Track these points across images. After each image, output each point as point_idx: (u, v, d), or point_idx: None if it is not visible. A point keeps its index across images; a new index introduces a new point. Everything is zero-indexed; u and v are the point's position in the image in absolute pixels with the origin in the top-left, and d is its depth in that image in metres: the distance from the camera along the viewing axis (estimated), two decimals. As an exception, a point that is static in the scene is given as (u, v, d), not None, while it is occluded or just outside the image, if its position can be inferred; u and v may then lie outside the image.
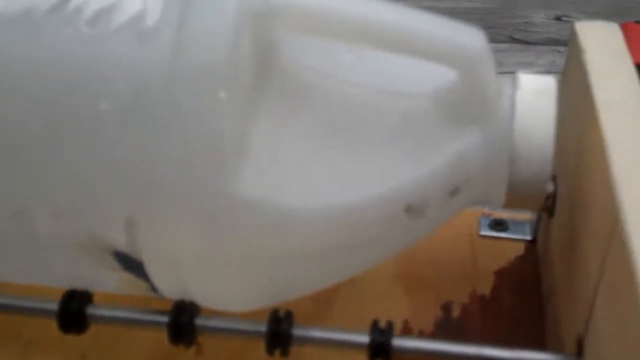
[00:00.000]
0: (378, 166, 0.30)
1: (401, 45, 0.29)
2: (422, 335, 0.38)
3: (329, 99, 0.30)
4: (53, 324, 0.33)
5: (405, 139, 0.30)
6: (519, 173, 0.31)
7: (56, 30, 0.28)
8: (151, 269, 0.30)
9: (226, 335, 0.32)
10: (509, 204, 0.32)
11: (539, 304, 0.40)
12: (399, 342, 0.31)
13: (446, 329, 0.39)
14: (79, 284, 0.32)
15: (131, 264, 0.30)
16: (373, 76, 0.31)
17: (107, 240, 0.29)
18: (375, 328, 0.32)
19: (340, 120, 0.30)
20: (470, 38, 0.29)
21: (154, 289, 0.31)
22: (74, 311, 0.32)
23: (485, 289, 0.41)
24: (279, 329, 0.31)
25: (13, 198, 0.29)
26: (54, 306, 0.32)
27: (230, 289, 0.32)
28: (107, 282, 0.31)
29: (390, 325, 0.32)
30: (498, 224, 0.45)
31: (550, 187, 0.35)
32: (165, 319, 0.31)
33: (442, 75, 0.30)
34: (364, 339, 0.31)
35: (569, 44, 0.38)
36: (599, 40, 0.35)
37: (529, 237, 0.44)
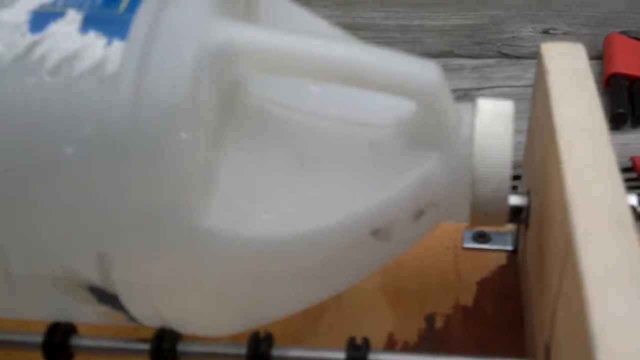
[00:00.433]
0: (345, 192, 0.31)
1: (361, 80, 0.30)
2: (406, 346, 0.39)
3: (295, 131, 0.31)
4: (39, 357, 0.34)
5: (370, 165, 0.31)
6: (479, 193, 0.32)
7: (20, 79, 0.29)
8: (126, 301, 0.31)
9: (208, 359, 0.33)
10: (475, 222, 0.33)
11: (519, 312, 0.41)
12: (374, 356, 0.32)
13: (430, 339, 0.40)
14: (62, 317, 0.33)
15: (107, 297, 0.31)
16: (338, 107, 0.32)
17: (81, 275, 0.30)
18: (351, 344, 0.32)
19: (307, 150, 0.31)
20: (426, 71, 0.30)
21: (132, 318, 0.32)
22: (58, 343, 0.32)
23: (468, 299, 0.42)
24: (258, 350, 0.32)
25: None
26: (38, 338, 0.33)
27: (204, 316, 0.33)
28: (86, 314, 0.32)
29: (366, 341, 0.33)
30: (481, 236, 0.46)
31: (524, 201, 0.36)
32: (147, 346, 0.32)
33: (403, 105, 0.31)
34: (341, 355, 0.32)
35: (536, 65, 0.39)
36: (564, 61, 0.36)
37: (510, 248, 0.45)
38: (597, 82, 0.37)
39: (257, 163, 0.31)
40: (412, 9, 1.06)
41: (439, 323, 0.41)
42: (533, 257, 0.37)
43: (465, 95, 0.84)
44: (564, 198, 0.28)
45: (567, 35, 1.02)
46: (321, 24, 0.35)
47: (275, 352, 0.33)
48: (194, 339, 0.33)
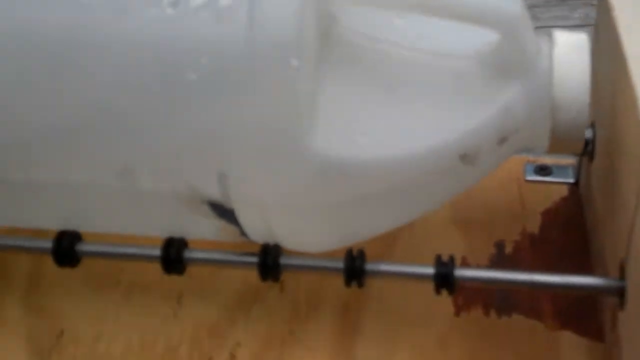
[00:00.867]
0: (433, 120, 0.34)
1: (447, 11, 0.32)
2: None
3: (384, 61, 0.34)
4: (149, 269, 0.38)
5: (457, 95, 0.34)
6: (559, 121, 0.34)
7: (142, 11, 0.32)
8: (241, 216, 0.34)
9: (308, 271, 0.37)
10: (552, 150, 0.36)
11: (583, 239, 0.43)
12: (460, 272, 0.35)
13: (500, 263, 0.43)
14: (177, 233, 0.36)
15: (224, 212, 0.34)
16: (422, 39, 0.35)
17: (202, 192, 0.34)
18: (439, 261, 0.36)
19: (396, 79, 0.34)
20: (509, 2, 0.33)
21: (243, 233, 0.36)
22: (173, 255, 0.36)
23: (534, 227, 0.45)
24: (354, 265, 0.36)
25: (118, 158, 0.34)
26: (156, 252, 0.36)
27: (308, 232, 0.36)
28: (201, 230, 0.36)
29: (452, 258, 0.36)
30: (542, 169, 0.48)
31: (589, 134, 0.39)
32: (255, 259, 0.36)
33: (484, 36, 0.34)
34: (429, 270, 0.35)
35: (598, 2, 0.41)
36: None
37: (572, 180, 0.47)
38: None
39: (351, 91, 0.33)
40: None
41: (508, 248, 0.44)
42: (600, 185, 0.40)
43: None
44: (638, 124, 0.31)
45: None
46: None
47: (369, 266, 0.36)
48: (295, 254, 0.37)
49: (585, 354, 0.38)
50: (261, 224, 0.34)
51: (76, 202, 0.36)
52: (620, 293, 0.33)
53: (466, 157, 0.34)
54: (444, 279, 0.35)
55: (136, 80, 0.32)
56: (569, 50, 0.34)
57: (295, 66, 0.31)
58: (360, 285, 0.36)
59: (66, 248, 0.36)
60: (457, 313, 0.40)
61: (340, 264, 0.36)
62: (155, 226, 0.36)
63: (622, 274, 0.34)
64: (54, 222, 0.37)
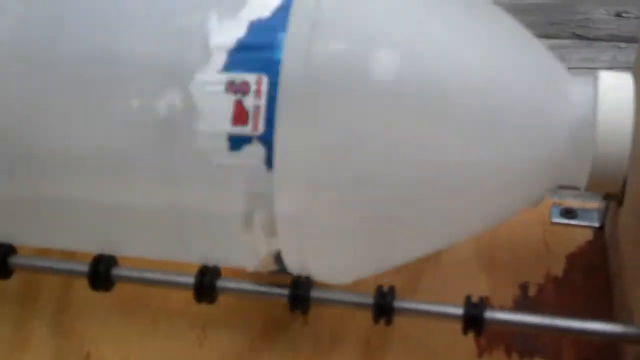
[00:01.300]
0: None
1: None
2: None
3: None
4: (176, 295, 0.38)
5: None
6: (600, 157, 0.34)
7: None
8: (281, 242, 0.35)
9: (337, 305, 0.37)
10: (589, 188, 0.36)
11: (607, 284, 0.44)
12: (490, 314, 0.36)
13: (524, 305, 0.43)
14: (214, 260, 0.37)
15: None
16: None
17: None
18: (468, 302, 0.36)
19: None
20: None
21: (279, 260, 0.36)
22: (207, 284, 0.37)
23: (558, 270, 0.45)
24: (385, 301, 0.36)
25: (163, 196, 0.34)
26: (190, 279, 0.37)
27: (341, 255, 0.36)
28: (242, 257, 0.36)
29: (481, 299, 0.36)
30: (568, 212, 0.49)
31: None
32: (286, 291, 0.36)
33: None
34: (459, 311, 0.36)
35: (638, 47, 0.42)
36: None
37: (597, 224, 0.48)
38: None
39: None
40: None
41: (531, 290, 0.44)
42: (629, 229, 0.40)
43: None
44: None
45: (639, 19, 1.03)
46: None
47: (398, 304, 0.36)
48: (325, 287, 0.37)
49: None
50: (295, 247, 0.35)
51: (115, 225, 0.36)
52: (644, 341, 0.34)
53: None
54: (472, 320, 0.35)
55: None
56: (614, 90, 0.34)
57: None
58: (389, 322, 0.36)
59: (103, 272, 0.37)
60: (480, 354, 0.41)
61: (370, 300, 0.36)
62: (193, 253, 0.37)
63: (649, 322, 0.34)
64: (90, 245, 0.38)
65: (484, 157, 0.34)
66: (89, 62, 0.34)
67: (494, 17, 0.36)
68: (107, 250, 0.38)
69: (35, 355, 0.42)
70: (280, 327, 0.42)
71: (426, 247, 0.37)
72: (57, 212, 0.37)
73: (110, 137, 0.34)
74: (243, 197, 0.33)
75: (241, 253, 0.35)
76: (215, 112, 0.32)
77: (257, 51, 0.32)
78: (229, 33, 0.33)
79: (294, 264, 0.36)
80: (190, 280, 0.37)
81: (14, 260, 0.39)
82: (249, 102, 0.32)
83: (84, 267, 0.37)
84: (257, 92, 0.32)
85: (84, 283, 0.38)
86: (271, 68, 0.32)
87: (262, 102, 0.32)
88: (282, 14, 0.33)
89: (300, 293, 0.36)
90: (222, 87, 0.32)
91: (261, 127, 0.32)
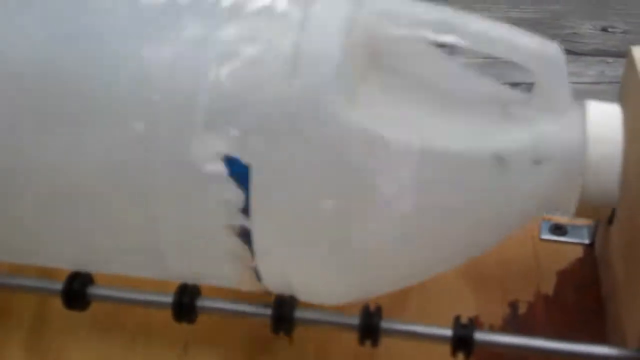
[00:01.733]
0: (470, 122, 0.33)
1: (499, 48, 0.33)
2: (493, 329, 0.42)
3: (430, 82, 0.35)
4: (155, 314, 0.37)
5: (494, 112, 0.34)
6: (590, 183, 0.34)
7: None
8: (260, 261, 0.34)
9: (322, 326, 0.36)
10: (580, 213, 0.35)
11: (598, 303, 0.43)
12: (479, 336, 0.35)
13: (514, 324, 0.42)
14: (193, 279, 0.36)
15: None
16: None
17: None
18: (457, 323, 0.35)
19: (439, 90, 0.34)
20: (552, 48, 0.33)
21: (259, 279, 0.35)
22: (186, 303, 0.35)
23: (549, 288, 0.44)
24: (371, 322, 0.35)
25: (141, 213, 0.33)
26: (168, 298, 0.35)
27: (325, 280, 0.35)
28: (221, 275, 0.35)
29: (471, 320, 0.35)
30: (558, 228, 0.48)
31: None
32: (269, 311, 0.35)
33: None
34: (447, 332, 0.35)
35: (626, 64, 0.41)
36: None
37: (587, 241, 0.47)
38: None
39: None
40: (472, 2, 1.08)
41: (522, 309, 0.43)
42: (620, 248, 0.39)
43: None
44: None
45: (626, 34, 1.03)
46: None
47: (384, 325, 0.35)
48: (309, 307, 0.36)
49: None
50: (278, 269, 0.34)
51: (91, 242, 0.35)
52: (639, 364, 0.33)
53: (501, 161, 0.33)
54: (462, 342, 0.34)
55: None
56: (602, 120, 0.34)
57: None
58: (375, 344, 0.35)
59: (77, 290, 0.36)
60: (470, 374, 0.40)
61: (355, 321, 0.35)
62: (172, 270, 0.36)
63: (644, 344, 0.33)
64: (66, 262, 0.37)
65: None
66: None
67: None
68: (84, 267, 0.36)
69: (9, 375, 0.40)
70: (264, 347, 0.41)
71: (412, 278, 0.37)
72: (33, 228, 0.35)
73: (87, 156, 0.33)
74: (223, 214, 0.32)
75: (221, 271, 0.34)
76: None
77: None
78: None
79: (276, 284, 0.35)
80: (169, 299, 0.35)
81: (-15, 277, 0.38)
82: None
83: (58, 286, 0.36)
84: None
85: (59, 301, 0.36)
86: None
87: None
88: None
89: (283, 313, 0.35)
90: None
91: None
